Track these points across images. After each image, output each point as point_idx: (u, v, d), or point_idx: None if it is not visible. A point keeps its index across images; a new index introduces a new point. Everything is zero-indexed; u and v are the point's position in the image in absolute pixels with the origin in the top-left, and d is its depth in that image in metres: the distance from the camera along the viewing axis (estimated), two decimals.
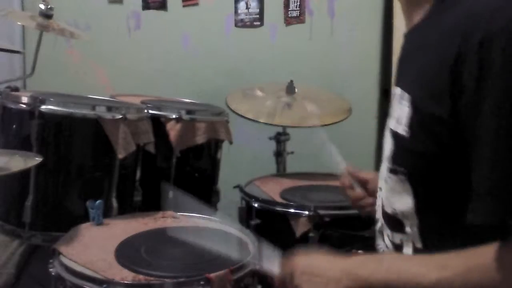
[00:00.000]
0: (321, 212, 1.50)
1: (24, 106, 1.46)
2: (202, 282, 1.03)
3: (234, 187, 1.75)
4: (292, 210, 1.53)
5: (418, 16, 0.85)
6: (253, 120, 1.95)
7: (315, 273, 0.84)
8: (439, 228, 0.78)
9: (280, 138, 2.12)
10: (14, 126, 1.51)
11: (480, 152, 0.68)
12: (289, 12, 2.50)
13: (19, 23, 2.39)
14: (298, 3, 2.48)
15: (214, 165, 1.94)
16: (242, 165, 2.39)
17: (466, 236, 0.72)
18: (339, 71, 2.48)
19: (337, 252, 0.87)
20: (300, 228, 1.50)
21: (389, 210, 0.86)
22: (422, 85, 0.75)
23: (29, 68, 1.91)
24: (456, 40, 0.69)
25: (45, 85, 2.04)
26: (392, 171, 0.82)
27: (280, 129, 2.13)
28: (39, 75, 1.93)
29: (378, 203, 0.93)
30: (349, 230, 1.46)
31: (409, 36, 0.89)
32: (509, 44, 0.65)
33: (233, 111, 1.98)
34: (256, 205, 1.59)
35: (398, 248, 0.86)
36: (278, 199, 1.64)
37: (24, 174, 1.41)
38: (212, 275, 1.03)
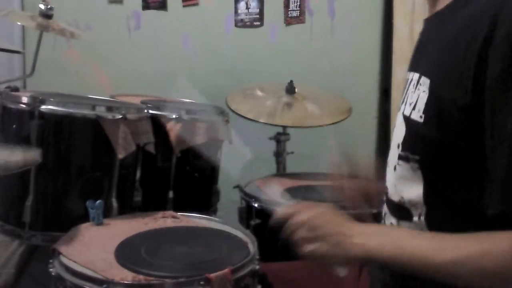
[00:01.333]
0: None
1: (24, 106, 1.46)
2: (202, 282, 1.03)
3: (234, 187, 1.75)
4: None
5: (442, 4, 0.83)
6: (253, 120, 1.95)
7: (324, 233, 0.83)
8: (447, 218, 0.77)
9: (280, 138, 2.12)
10: (14, 126, 1.51)
11: (499, 140, 0.66)
12: (289, 12, 2.51)
13: (19, 23, 2.38)
14: (298, 3, 2.48)
15: (214, 165, 1.93)
16: (242, 165, 2.38)
17: (474, 226, 0.71)
18: (339, 71, 2.48)
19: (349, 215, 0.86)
20: None
21: (396, 198, 0.85)
22: (444, 70, 0.74)
23: (29, 68, 1.91)
24: (484, 26, 0.68)
25: (45, 85, 2.03)
26: (403, 158, 0.81)
27: (280, 129, 2.13)
28: (39, 75, 1.93)
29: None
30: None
31: (431, 22, 0.87)
32: None
33: (233, 111, 1.98)
34: (256, 205, 1.59)
35: None
36: (278, 199, 1.64)
37: (24, 174, 1.41)
38: (212, 275, 1.03)
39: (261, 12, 2.53)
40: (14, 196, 1.50)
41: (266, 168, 2.08)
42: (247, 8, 2.54)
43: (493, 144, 0.67)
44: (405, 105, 0.82)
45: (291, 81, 2.07)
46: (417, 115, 0.77)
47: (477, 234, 0.70)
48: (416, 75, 0.81)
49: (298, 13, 2.50)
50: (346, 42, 2.46)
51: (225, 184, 1.94)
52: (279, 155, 2.13)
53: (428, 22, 0.88)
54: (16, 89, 1.63)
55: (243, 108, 1.98)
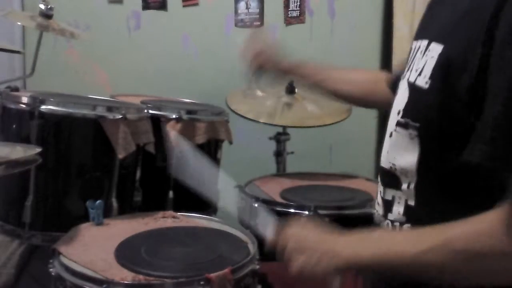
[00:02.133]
0: (321, 212, 1.50)
1: (24, 106, 1.46)
2: (202, 282, 1.03)
3: (234, 187, 1.75)
4: (292, 210, 1.53)
5: None
6: (253, 120, 1.95)
7: (308, 246, 0.84)
8: (437, 188, 0.77)
9: (280, 138, 2.12)
10: (14, 126, 1.51)
11: (494, 100, 0.66)
12: (289, 12, 2.51)
13: (19, 23, 2.38)
14: (298, 3, 2.48)
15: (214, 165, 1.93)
16: (242, 165, 2.38)
17: (462, 199, 0.72)
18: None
19: (332, 227, 0.87)
20: None
21: (386, 165, 0.85)
22: (458, 35, 0.73)
23: (29, 68, 1.91)
24: None
25: (45, 85, 2.04)
26: (402, 125, 0.81)
27: (280, 129, 2.13)
28: (39, 75, 1.93)
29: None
30: (349, 230, 1.46)
31: None
32: None
33: (233, 111, 1.98)
34: (256, 205, 1.59)
35: (388, 204, 0.85)
36: (278, 199, 1.64)
37: (24, 174, 1.41)
38: (212, 275, 1.03)
39: (261, 12, 2.53)
40: (14, 196, 1.50)
41: (266, 168, 2.08)
42: (247, 8, 2.54)
43: (487, 105, 0.67)
44: (410, 72, 0.82)
45: (291, 81, 2.07)
46: (423, 81, 0.77)
47: (452, 222, 0.70)
48: (424, 42, 0.80)
49: (298, 13, 2.50)
50: (346, 42, 2.46)
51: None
52: (279, 155, 2.13)
53: None
54: (16, 89, 1.63)
55: (243, 108, 1.98)
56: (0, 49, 1.87)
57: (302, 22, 2.50)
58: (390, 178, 0.84)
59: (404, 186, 0.81)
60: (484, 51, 0.68)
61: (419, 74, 0.78)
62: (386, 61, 2.45)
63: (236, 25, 2.57)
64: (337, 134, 2.38)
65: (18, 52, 2.49)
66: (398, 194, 0.83)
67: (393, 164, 0.83)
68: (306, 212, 1.50)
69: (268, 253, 0.94)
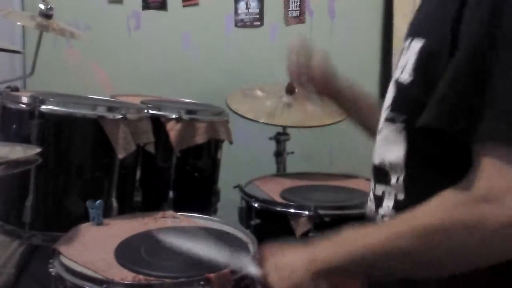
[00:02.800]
0: (321, 212, 1.50)
1: (24, 106, 1.46)
2: (202, 282, 1.03)
3: (234, 187, 1.75)
4: (292, 210, 1.53)
5: None
6: (253, 120, 1.95)
7: (280, 267, 0.85)
8: (424, 180, 0.78)
9: (280, 138, 2.12)
10: (14, 126, 1.51)
11: (448, 69, 0.70)
12: (289, 12, 2.51)
13: (19, 23, 2.38)
14: (298, 3, 2.48)
15: (214, 165, 1.93)
16: (242, 165, 2.39)
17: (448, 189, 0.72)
18: (339, 71, 2.47)
19: (302, 242, 0.87)
20: (300, 228, 1.50)
21: (376, 161, 0.87)
22: (431, 26, 0.76)
23: (29, 68, 1.91)
24: None
25: (45, 85, 2.04)
26: (390, 120, 0.83)
27: (280, 129, 2.13)
28: (39, 75, 1.93)
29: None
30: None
31: None
32: None
33: (233, 111, 1.98)
34: (256, 205, 1.59)
35: (379, 200, 0.86)
36: (278, 199, 1.64)
37: (24, 174, 1.41)
38: (212, 275, 1.03)
39: (261, 12, 2.53)
40: (14, 196, 1.50)
41: (266, 168, 2.08)
42: (247, 8, 2.54)
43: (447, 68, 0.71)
44: (396, 71, 0.84)
45: (291, 81, 2.07)
46: (406, 75, 0.79)
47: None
48: (408, 40, 0.83)
49: (298, 13, 2.50)
50: (346, 42, 2.46)
51: (225, 184, 1.94)
52: (279, 155, 2.13)
53: None
54: (16, 89, 1.63)
55: (243, 108, 1.98)
56: (0, 49, 1.87)
57: (302, 22, 2.50)
58: (381, 174, 0.86)
59: (393, 180, 0.83)
60: (453, 37, 0.71)
61: (403, 71, 0.80)
62: (386, 61, 2.45)
63: (236, 25, 2.57)
64: (337, 134, 2.38)
65: (18, 52, 2.50)
66: (388, 189, 0.84)
67: (382, 160, 0.85)
68: (306, 212, 1.50)
69: None
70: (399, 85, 0.81)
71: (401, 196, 0.82)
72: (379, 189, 0.86)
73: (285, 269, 0.84)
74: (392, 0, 2.34)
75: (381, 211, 0.86)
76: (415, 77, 0.77)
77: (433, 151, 0.77)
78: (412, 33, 0.82)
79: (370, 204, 0.91)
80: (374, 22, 2.45)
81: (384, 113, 0.85)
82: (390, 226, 0.76)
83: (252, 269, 0.96)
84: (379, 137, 0.87)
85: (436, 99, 0.70)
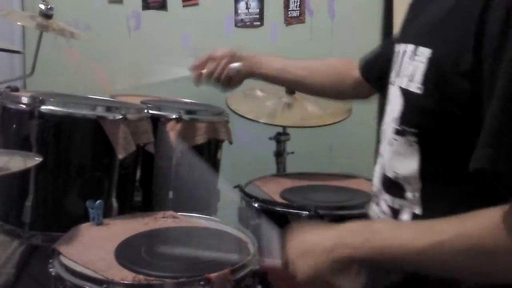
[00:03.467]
0: (321, 212, 1.50)
1: (24, 106, 1.46)
2: (202, 282, 1.03)
3: (234, 187, 1.75)
4: (292, 210, 1.53)
5: None
6: (254, 120, 1.95)
7: (306, 248, 0.82)
8: (442, 194, 0.76)
9: (280, 138, 2.12)
10: (14, 126, 1.51)
11: (493, 102, 0.65)
12: (289, 12, 2.50)
13: (19, 23, 2.38)
14: (298, 3, 2.48)
15: (214, 165, 1.93)
16: (242, 165, 2.39)
17: (468, 202, 0.70)
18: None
19: (331, 225, 0.84)
20: None
21: (390, 174, 0.84)
22: (446, 38, 0.72)
23: (29, 68, 1.91)
24: None
25: (45, 85, 2.04)
26: (399, 132, 0.80)
27: (280, 129, 2.12)
28: (39, 75, 1.93)
29: (377, 168, 0.91)
30: None
31: None
32: None
33: (233, 111, 1.98)
34: (256, 205, 1.59)
35: (396, 213, 0.83)
36: (278, 199, 1.64)
37: (24, 174, 1.41)
38: (212, 275, 1.03)
39: (261, 12, 2.53)
40: (14, 196, 1.50)
41: (266, 168, 2.08)
42: (247, 8, 2.54)
43: (487, 107, 0.66)
44: (401, 77, 0.81)
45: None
46: (415, 87, 0.76)
47: (457, 216, 0.69)
48: (410, 46, 0.79)
49: (298, 13, 2.49)
50: (346, 42, 2.46)
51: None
52: (279, 155, 2.13)
53: None
54: (16, 89, 1.63)
55: (243, 108, 1.98)
56: (0, 49, 1.87)
57: (302, 22, 2.50)
58: (395, 188, 0.83)
59: (409, 194, 0.80)
60: (475, 55, 0.67)
61: (411, 80, 0.77)
62: None
63: (236, 25, 2.57)
64: (337, 134, 2.38)
65: (18, 52, 2.50)
66: (405, 203, 0.81)
67: (396, 173, 0.82)
68: (306, 212, 1.50)
69: None
70: (409, 95, 0.77)
71: (417, 211, 0.79)
72: (396, 203, 0.83)
73: (310, 250, 0.81)
74: (392, 0, 2.34)
75: None
76: (426, 89, 0.74)
77: (448, 165, 0.74)
78: (416, 39, 0.78)
79: (384, 217, 0.88)
80: (374, 22, 2.44)
81: (392, 123, 0.82)
82: (433, 232, 0.70)
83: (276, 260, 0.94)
84: (390, 150, 0.83)
85: (487, 140, 0.65)
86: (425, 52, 0.75)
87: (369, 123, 2.48)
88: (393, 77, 0.85)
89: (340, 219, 1.51)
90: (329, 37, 2.48)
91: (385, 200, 0.86)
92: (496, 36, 0.65)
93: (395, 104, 0.82)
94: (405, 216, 0.82)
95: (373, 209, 0.91)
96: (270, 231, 1.02)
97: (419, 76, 0.75)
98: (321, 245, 0.80)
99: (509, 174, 0.65)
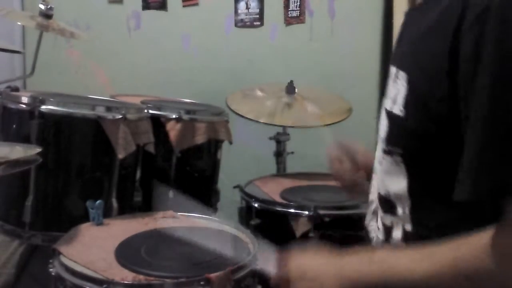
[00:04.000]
0: (321, 212, 1.50)
1: (24, 106, 1.46)
2: (202, 282, 1.03)
3: (234, 187, 1.75)
4: (292, 210, 1.53)
5: None
6: (253, 120, 1.95)
7: (308, 277, 0.84)
8: (431, 211, 0.77)
9: (280, 138, 2.12)
10: (14, 126, 1.51)
11: (472, 128, 0.66)
12: (289, 12, 2.51)
13: (19, 23, 2.39)
14: (298, 3, 2.48)
15: (214, 165, 1.93)
16: (242, 165, 2.39)
17: (458, 220, 0.72)
18: (339, 71, 2.48)
19: (333, 250, 0.86)
20: (300, 228, 1.50)
21: (382, 192, 0.86)
22: (420, 63, 0.74)
23: (29, 68, 1.91)
24: (454, 16, 0.68)
25: (45, 85, 2.04)
26: (387, 152, 0.82)
27: (280, 129, 2.13)
28: (39, 75, 1.93)
29: (373, 183, 0.93)
30: (349, 230, 1.46)
31: (409, 15, 0.89)
32: (506, 17, 0.64)
33: (233, 111, 1.98)
34: (256, 205, 1.59)
35: (388, 230, 0.85)
36: (278, 199, 1.64)
37: (24, 174, 1.41)
38: (212, 275, 1.03)
39: (261, 12, 2.53)
40: (14, 196, 1.50)
41: (266, 168, 2.08)
42: (247, 8, 2.54)
43: (467, 132, 0.67)
44: (387, 99, 0.83)
45: (291, 81, 2.07)
46: (398, 109, 0.78)
47: (453, 240, 0.70)
48: (393, 69, 0.81)
49: (298, 13, 2.50)
50: (346, 42, 2.46)
51: (225, 184, 1.94)
52: (279, 155, 2.13)
53: (407, 16, 0.89)
54: (16, 89, 1.63)
55: (243, 108, 1.98)
56: (0, 49, 1.87)
57: (302, 22, 2.50)
58: (387, 205, 0.85)
59: (400, 211, 0.82)
60: (451, 80, 0.68)
61: (394, 103, 0.79)
62: (386, 61, 2.45)
63: (236, 25, 2.57)
64: (337, 134, 2.38)
65: (18, 52, 2.50)
66: (395, 220, 0.83)
67: (387, 191, 0.84)
68: (306, 212, 1.50)
69: None
70: (392, 118, 0.80)
71: (408, 227, 0.81)
72: (388, 220, 0.85)
73: (312, 279, 0.83)
74: (392, 0, 2.34)
75: (392, 242, 0.85)
76: (407, 112, 0.76)
77: (435, 183, 0.76)
78: (397, 63, 0.81)
79: (378, 233, 0.90)
80: (374, 22, 2.45)
81: (381, 143, 0.85)
82: (430, 258, 0.72)
83: (270, 268, 0.95)
84: (381, 168, 0.86)
85: (466, 169, 0.67)
86: (404, 76, 0.77)
87: (369, 123, 2.48)
88: (384, 99, 0.88)
89: (340, 219, 1.52)
90: (329, 37, 2.48)
91: (381, 217, 0.88)
92: (469, 59, 0.66)
93: (383, 125, 0.84)
94: (397, 232, 0.83)
95: (372, 225, 0.93)
96: (268, 252, 1.02)
97: (400, 99, 0.77)
98: (324, 278, 0.82)
99: (489, 202, 0.67)
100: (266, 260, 0.99)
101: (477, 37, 0.65)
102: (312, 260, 0.87)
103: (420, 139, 0.75)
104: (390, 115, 0.81)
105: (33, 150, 1.21)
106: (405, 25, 0.90)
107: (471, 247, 0.68)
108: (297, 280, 0.85)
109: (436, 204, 0.77)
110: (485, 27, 0.65)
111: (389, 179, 0.83)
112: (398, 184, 0.81)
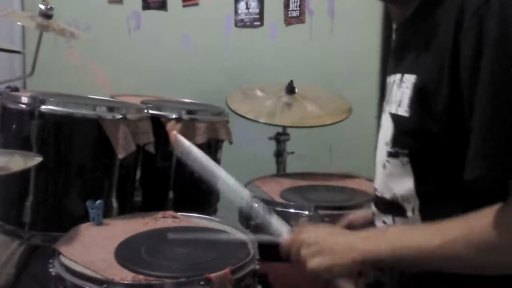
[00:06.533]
0: (321, 212, 1.50)
1: (24, 106, 1.46)
2: (202, 282, 1.03)
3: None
4: (292, 210, 1.53)
5: (408, 11, 0.88)
6: (253, 120, 1.95)
7: (322, 246, 0.84)
8: (440, 209, 0.79)
9: (280, 138, 2.12)
10: (14, 126, 1.51)
11: (478, 115, 0.69)
12: (289, 12, 2.51)
13: (19, 23, 2.39)
14: (298, 3, 2.48)
15: None
16: (242, 165, 2.38)
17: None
18: (339, 71, 2.48)
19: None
20: None
21: (388, 195, 0.87)
22: (426, 63, 0.78)
23: (29, 68, 1.91)
24: (453, 16, 0.72)
25: (45, 85, 2.04)
26: (392, 154, 0.84)
27: (280, 129, 2.13)
28: (39, 75, 1.93)
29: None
30: (349, 230, 1.46)
31: (403, 28, 0.92)
32: (503, 11, 0.67)
33: (233, 111, 1.98)
34: (256, 205, 1.59)
35: None
36: (278, 199, 1.64)
37: (24, 174, 1.41)
38: (212, 275, 1.03)
39: (261, 12, 2.53)
40: (14, 196, 1.50)
41: (266, 168, 2.08)
42: (247, 8, 2.54)
43: (473, 121, 0.70)
44: (390, 104, 0.86)
45: (291, 81, 2.07)
46: (403, 111, 0.81)
47: (465, 215, 0.72)
48: (398, 76, 0.85)
49: (298, 13, 2.50)
50: (346, 42, 2.46)
51: None
52: (279, 155, 2.13)
53: (400, 29, 0.94)
54: (16, 89, 1.63)
55: (243, 108, 1.98)
56: (0, 49, 1.87)
57: (302, 22, 2.50)
58: (395, 208, 0.86)
59: (409, 213, 0.84)
60: (452, 80, 0.72)
61: (399, 105, 0.82)
62: (386, 61, 2.45)
63: (236, 25, 2.57)
64: (337, 134, 2.38)
65: (18, 52, 2.50)
66: (406, 222, 0.84)
67: (393, 194, 0.86)
68: (306, 212, 1.49)
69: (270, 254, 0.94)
70: (398, 119, 0.83)
71: None
72: (399, 222, 0.86)
73: (326, 249, 0.84)
74: None
75: None
76: (412, 112, 0.79)
77: (441, 181, 0.78)
78: (403, 69, 0.84)
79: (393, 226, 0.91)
80: (374, 22, 2.44)
81: (385, 147, 0.87)
82: (442, 232, 0.74)
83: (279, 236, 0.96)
84: (384, 173, 0.88)
85: (478, 150, 0.69)
86: (410, 78, 0.80)
87: (369, 123, 2.47)
88: (384, 106, 0.91)
89: (339, 219, 1.52)
90: (329, 37, 2.48)
91: (383, 221, 0.90)
92: (470, 58, 0.70)
93: (386, 129, 0.87)
94: None
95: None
96: (279, 222, 1.04)
97: (405, 100, 0.81)
98: (338, 247, 0.83)
99: (505, 179, 0.69)
100: (277, 228, 1.02)
101: (476, 33, 0.69)
102: (325, 232, 0.89)
103: (425, 138, 0.77)
104: (395, 117, 0.83)
105: (32, 160, 1.22)
106: (400, 38, 0.94)
107: (480, 222, 0.71)
108: (309, 248, 0.86)
109: (445, 202, 0.79)
110: (484, 23, 0.68)
111: (394, 181, 0.85)
112: (404, 185, 0.83)
